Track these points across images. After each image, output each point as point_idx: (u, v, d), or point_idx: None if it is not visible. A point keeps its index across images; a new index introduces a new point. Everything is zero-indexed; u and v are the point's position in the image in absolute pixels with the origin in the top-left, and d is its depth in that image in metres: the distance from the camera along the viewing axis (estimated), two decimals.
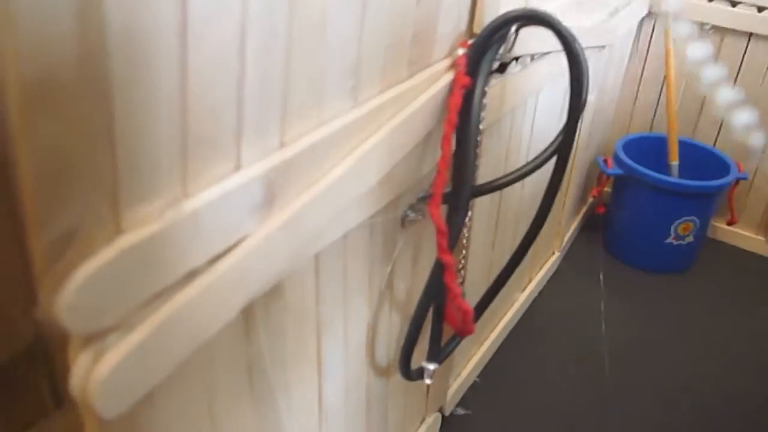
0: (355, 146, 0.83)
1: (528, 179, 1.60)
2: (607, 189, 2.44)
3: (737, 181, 2.23)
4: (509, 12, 1.00)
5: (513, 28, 1.07)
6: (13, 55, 0.43)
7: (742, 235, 2.46)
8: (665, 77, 2.25)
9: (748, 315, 2.11)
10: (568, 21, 0.98)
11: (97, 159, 0.50)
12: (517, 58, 1.27)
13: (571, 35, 0.96)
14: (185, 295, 0.62)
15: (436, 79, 0.98)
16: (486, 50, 1.03)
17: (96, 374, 0.55)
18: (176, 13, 0.52)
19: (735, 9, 2.22)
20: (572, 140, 1.09)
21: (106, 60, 0.48)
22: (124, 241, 0.54)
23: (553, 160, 1.11)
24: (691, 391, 1.78)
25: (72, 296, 0.50)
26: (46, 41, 0.43)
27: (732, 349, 1.95)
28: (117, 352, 0.57)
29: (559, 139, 1.09)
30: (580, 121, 1.09)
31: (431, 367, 1.19)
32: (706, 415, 1.70)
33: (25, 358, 1.04)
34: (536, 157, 1.09)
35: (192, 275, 0.63)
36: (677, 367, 1.86)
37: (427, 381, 1.20)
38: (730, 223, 2.41)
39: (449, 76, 1.00)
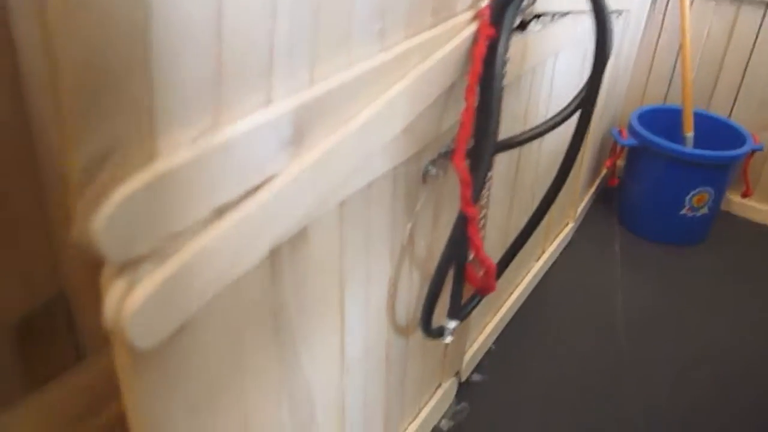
0: (381, 91, 0.82)
1: (544, 146, 1.59)
2: (620, 162, 2.42)
3: (753, 152, 2.21)
4: None
5: None
6: None
7: (757, 208, 2.44)
8: (681, 46, 2.23)
9: (762, 287, 2.10)
10: None
11: (133, 78, 0.49)
12: (538, 16, 1.25)
13: None
14: (216, 230, 0.62)
15: (461, 29, 0.97)
16: (509, 2, 1.01)
17: (130, 303, 0.54)
18: None
19: None
20: (596, 94, 1.08)
21: None
22: (159, 166, 0.53)
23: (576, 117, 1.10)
24: (705, 360, 1.77)
25: (108, 218, 0.50)
26: None
27: (746, 320, 1.94)
28: (150, 282, 0.56)
29: (583, 93, 1.07)
30: (604, 74, 1.07)
31: (452, 324, 1.18)
32: (719, 385, 1.69)
33: (45, 314, 1.04)
34: (560, 112, 1.08)
35: (222, 211, 0.63)
36: (692, 338, 1.85)
37: (448, 339, 1.20)
38: (744, 196, 2.39)
39: (473, 27, 0.98)
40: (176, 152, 0.55)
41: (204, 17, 0.54)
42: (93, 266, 0.79)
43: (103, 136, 0.48)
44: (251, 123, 0.62)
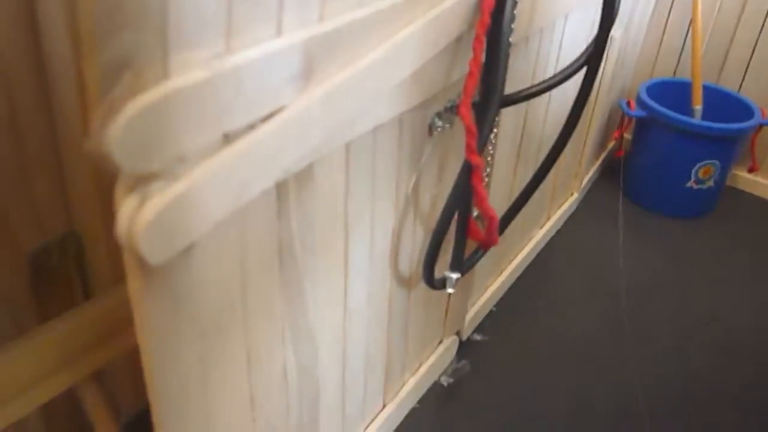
0: (390, 33, 0.83)
1: (551, 108, 1.60)
2: (627, 136, 2.43)
3: (760, 126, 2.21)
4: None
5: None
6: None
7: (763, 184, 2.44)
8: (692, 20, 2.22)
9: (765, 260, 2.11)
10: None
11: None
12: None
13: None
14: (224, 155, 0.64)
15: None
16: None
17: (141, 217, 0.57)
18: None
19: None
20: (603, 52, 1.09)
21: None
22: (172, 83, 0.55)
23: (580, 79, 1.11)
24: (707, 330, 1.79)
25: (122, 128, 0.52)
26: None
27: (747, 293, 1.96)
28: (161, 199, 0.58)
29: (590, 49, 1.09)
30: (610, 34, 1.08)
31: (454, 276, 1.20)
32: (718, 351, 1.72)
33: (57, 250, 1.06)
34: (566, 68, 1.09)
35: (231, 138, 0.65)
36: (693, 309, 1.87)
37: (450, 290, 1.22)
38: (751, 171, 2.39)
39: None
40: (189, 72, 0.57)
41: None
42: (105, 205, 0.80)
43: (119, 48, 0.50)
44: (262, 51, 0.64)
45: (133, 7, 0.50)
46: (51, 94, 0.94)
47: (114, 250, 0.71)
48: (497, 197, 1.52)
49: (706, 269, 2.05)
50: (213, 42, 0.59)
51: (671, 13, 2.42)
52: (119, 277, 0.71)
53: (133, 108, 0.52)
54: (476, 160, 0.98)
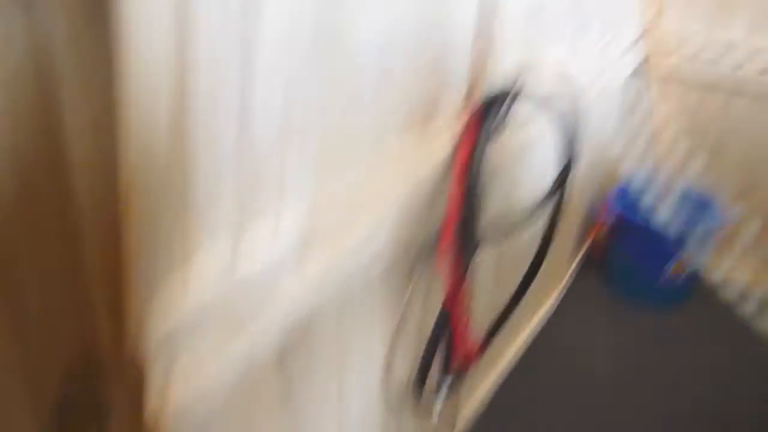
0: (375, 203, 0.97)
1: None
2: (605, 232, 2.56)
3: (727, 223, 2.35)
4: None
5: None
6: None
7: (735, 270, 2.55)
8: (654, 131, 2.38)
9: (742, 343, 2.23)
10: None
11: (175, 233, 0.64)
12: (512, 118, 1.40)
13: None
14: (232, 343, 0.76)
15: (443, 141, 1.12)
16: (487, 115, 1.16)
17: (168, 410, 0.68)
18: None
19: None
20: (566, 182, 1.22)
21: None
22: (192, 296, 0.68)
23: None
24: (687, 415, 1.89)
25: (155, 345, 0.64)
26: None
27: (725, 377, 2.08)
28: (181, 389, 0.69)
29: (555, 184, 1.22)
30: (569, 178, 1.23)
31: (438, 401, 1.31)
32: None
33: (79, 383, 1.15)
34: (534, 208, 1.23)
35: (239, 330, 0.77)
36: (672, 396, 1.98)
37: (438, 404, 1.32)
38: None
39: (454, 139, 1.13)
40: (204, 283, 0.69)
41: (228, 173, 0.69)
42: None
43: (153, 270, 0.63)
44: (264, 253, 0.77)
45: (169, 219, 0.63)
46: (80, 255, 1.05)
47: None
48: (481, 308, 1.63)
49: (682, 357, 2.17)
50: (221, 257, 0.71)
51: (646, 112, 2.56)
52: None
53: (162, 323, 0.64)
54: (454, 305, 1.10)
